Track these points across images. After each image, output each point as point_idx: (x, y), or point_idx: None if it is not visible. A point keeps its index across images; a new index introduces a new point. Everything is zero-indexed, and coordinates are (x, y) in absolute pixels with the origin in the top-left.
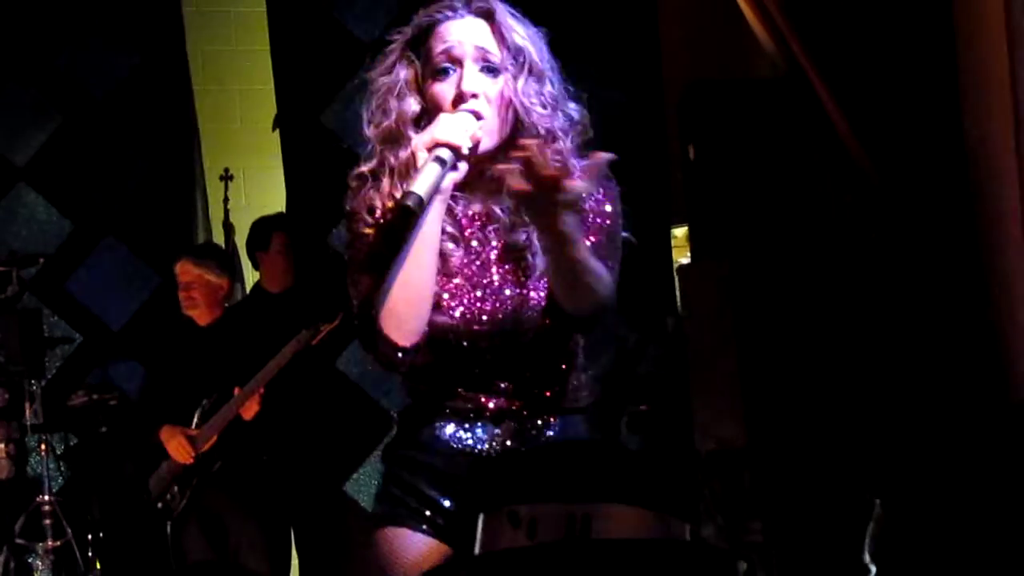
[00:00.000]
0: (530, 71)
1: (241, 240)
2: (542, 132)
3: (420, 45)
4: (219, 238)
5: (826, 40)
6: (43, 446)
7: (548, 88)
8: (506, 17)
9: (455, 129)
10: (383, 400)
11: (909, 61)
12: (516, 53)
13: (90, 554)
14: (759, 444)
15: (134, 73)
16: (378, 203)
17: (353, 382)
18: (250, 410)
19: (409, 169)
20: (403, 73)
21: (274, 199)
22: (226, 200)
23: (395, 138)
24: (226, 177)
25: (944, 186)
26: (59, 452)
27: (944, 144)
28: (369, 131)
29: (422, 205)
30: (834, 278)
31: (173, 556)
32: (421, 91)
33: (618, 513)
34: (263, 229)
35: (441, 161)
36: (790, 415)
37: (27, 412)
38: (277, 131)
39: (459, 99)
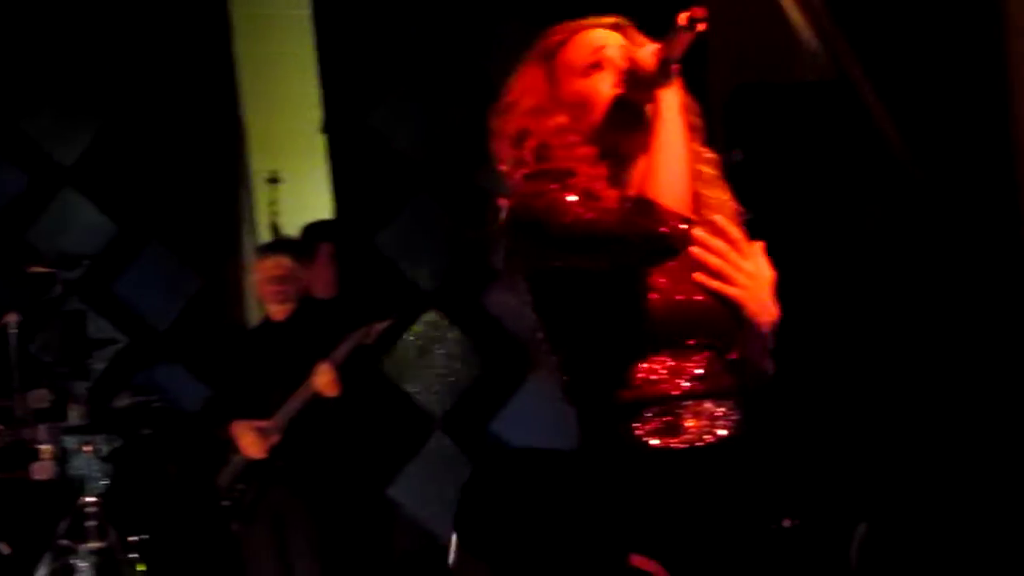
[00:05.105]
0: None
1: None
2: None
3: (550, 58)
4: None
5: (872, 41)
6: (87, 447)
7: None
8: (633, 30)
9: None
10: (427, 403)
11: (956, 60)
12: None
13: (133, 556)
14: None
15: (181, 75)
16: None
17: (396, 385)
18: (331, 388)
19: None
20: (541, 89)
21: (322, 201)
22: (273, 203)
23: (556, 145)
24: (273, 180)
25: (990, 186)
26: (103, 454)
27: (991, 144)
28: (518, 150)
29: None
30: (873, 283)
31: (241, 554)
32: (559, 99)
33: None
34: (307, 240)
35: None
36: (794, 415)
37: (71, 414)
38: (323, 133)
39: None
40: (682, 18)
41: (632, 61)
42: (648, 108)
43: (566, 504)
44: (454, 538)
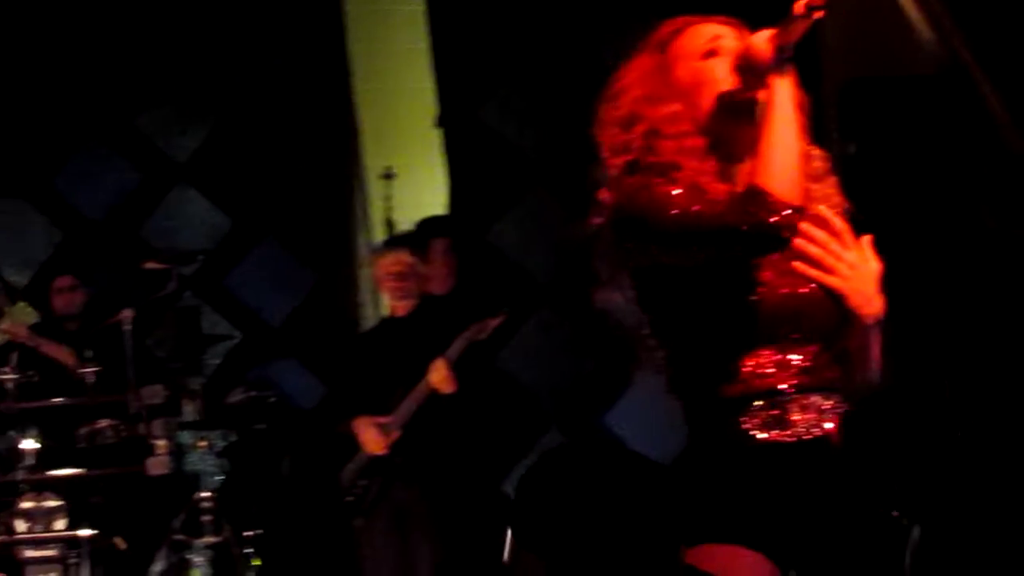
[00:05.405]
0: None
1: None
2: None
3: (664, 48)
4: (379, 237)
5: (988, 32)
6: (202, 443)
7: None
8: (747, 30)
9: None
10: (541, 398)
11: None
12: None
13: (248, 551)
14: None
15: (295, 72)
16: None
17: (511, 381)
18: (446, 384)
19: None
20: (654, 78)
21: (436, 197)
22: (388, 198)
23: (667, 134)
24: (388, 175)
25: None
26: (218, 449)
27: None
28: (627, 134)
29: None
30: (986, 280)
31: (358, 549)
32: (673, 86)
33: None
34: (422, 235)
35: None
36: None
37: (186, 409)
38: (438, 128)
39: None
40: (799, 6)
41: (747, 47)
42: (759, 102)
43: (624, 503)
44: (508, 534)
